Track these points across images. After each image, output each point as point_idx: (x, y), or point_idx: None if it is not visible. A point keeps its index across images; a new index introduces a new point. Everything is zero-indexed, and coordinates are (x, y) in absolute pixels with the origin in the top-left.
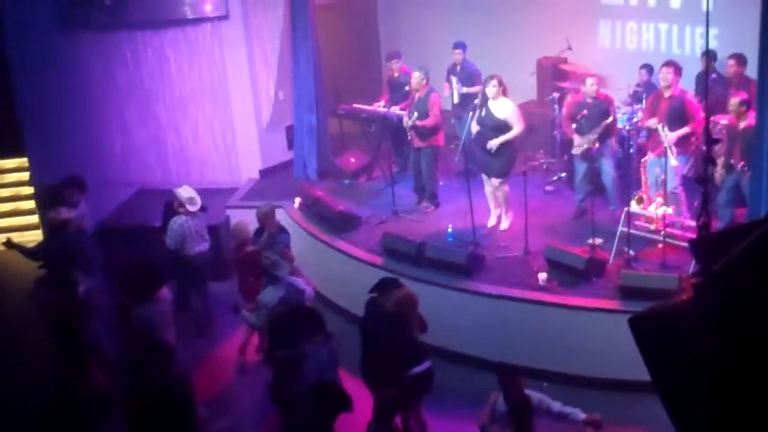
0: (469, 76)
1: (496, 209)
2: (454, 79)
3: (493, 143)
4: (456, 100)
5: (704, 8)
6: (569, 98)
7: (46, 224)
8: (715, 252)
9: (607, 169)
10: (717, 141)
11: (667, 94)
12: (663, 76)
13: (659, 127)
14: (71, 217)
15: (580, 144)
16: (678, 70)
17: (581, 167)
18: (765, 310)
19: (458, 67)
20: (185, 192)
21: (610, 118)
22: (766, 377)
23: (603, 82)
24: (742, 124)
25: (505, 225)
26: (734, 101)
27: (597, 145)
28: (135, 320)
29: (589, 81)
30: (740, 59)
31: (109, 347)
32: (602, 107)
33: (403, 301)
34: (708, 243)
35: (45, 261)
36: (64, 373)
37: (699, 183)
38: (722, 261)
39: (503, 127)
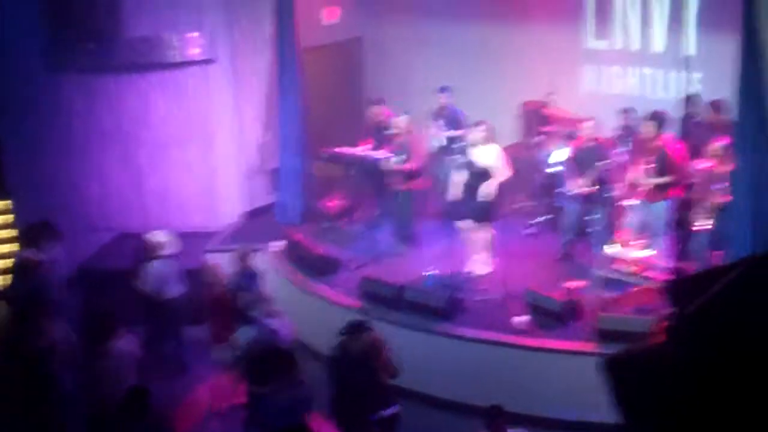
0: (453, 120)
1: (474, 255)
2: (438, 123)
3: (483, 190)
4: (440, 143)
5: (686, 53)
6: (552, 146)
7: (14, 265)
8: (688, 295)
9: (598, 214)
10: (691, 186)
11: (653, 144)
12: (645, 130)
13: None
14: (40, 260)
15: (572, 187)
16: (661, 123)
17: (573, 209)
18: (735, 353)
19: (442, 111)
20: (158, 236)
21: (602, 162)
22: (736, 420)
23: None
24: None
25: (484, 270)
26: (715, 146)
27: (596, 188)
28: (96, 371)
29: (587, 124)
30: (717, 106)
31: (77, 392)
32: (598, 151)
33: (371, 344)
34: (682, 286)
35: (9, 302)
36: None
37: (675, 227)
38: (694, 304)
39: (488, 172)
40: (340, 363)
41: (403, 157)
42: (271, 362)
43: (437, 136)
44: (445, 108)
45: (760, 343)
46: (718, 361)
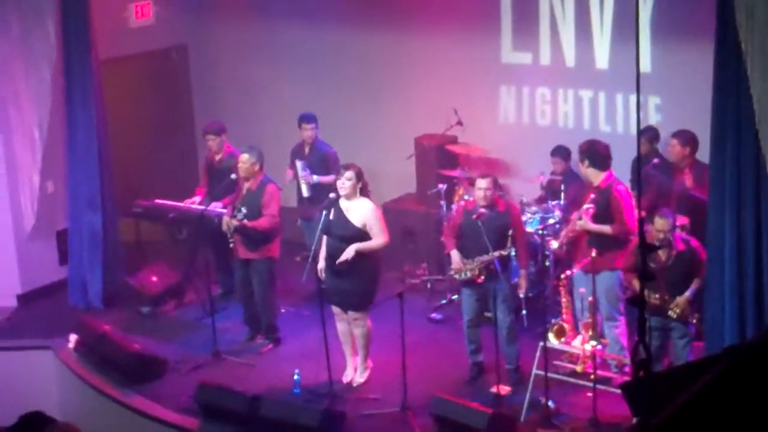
0: (321, 160)
1: (353, 357)
2: (299, 165)
3: (346, 256)
4: (305, 193)
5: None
6: (461, 191)
7: None
8: (655, 402)
9: (501, 317)
10: (655, 248)
11: (594, 184)
12: (582, 170)
13: (577, 217)
14: None
15: (457, 269)
16: (602, 160)
17: (469, 299)
18: None
19: (307, 148)
20: None
21: (496, 253)
22: None
23: (504, 168)
24: (667, 253)
25: (361, 379)
26: (662, 223)
27: (482, 279)
28: None
29: (481, 183)
30: (685, 139)
31: None
32: (498, 222)
33: None
34: (646, 388)
35: None
36: None
37: (633, 305)
38: (663, 414)
39: (358, 237)
40: None
41: (251, 211)
42: None
43: (301, 181)
44: (310, 144)
45: None
46: None
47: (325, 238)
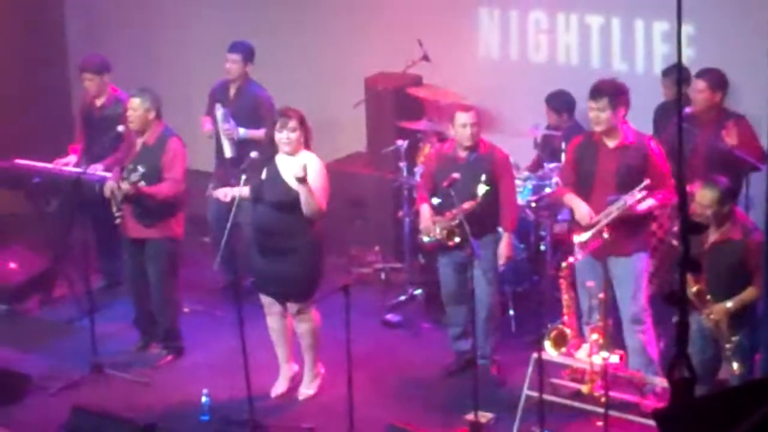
0: (251, 106)
1: (289, 364)
2: (220, 113)
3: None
4: (228, 152)
5: None
6: (427, 149)
7: None
8: None
9: (482, 289)
10: (703, 228)
11: (612, 143)
12: (595, 115)
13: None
14: None
15: (426, 229)
16: (619, 98)
17: (446, 270)
18: None
19: (232, 90)
20: None
21: (466, 205)
22: None
23: (486, 119)
24: (714, 236)
25: (308, 390)
26: (704, 195)
27: (455, 240)
28: None
29: (464, 118)
30: (715, 81)
31: None
32: (481, 168)
33: None
34: (686, 416)
35: None
36: None
37: (669, 303)
38: None
39: (299, 204)
40: None
41: (145, 172)
42: None
43: (222, 136)
44: (238, 83)
45: None
46: None
47: (252, 206)
